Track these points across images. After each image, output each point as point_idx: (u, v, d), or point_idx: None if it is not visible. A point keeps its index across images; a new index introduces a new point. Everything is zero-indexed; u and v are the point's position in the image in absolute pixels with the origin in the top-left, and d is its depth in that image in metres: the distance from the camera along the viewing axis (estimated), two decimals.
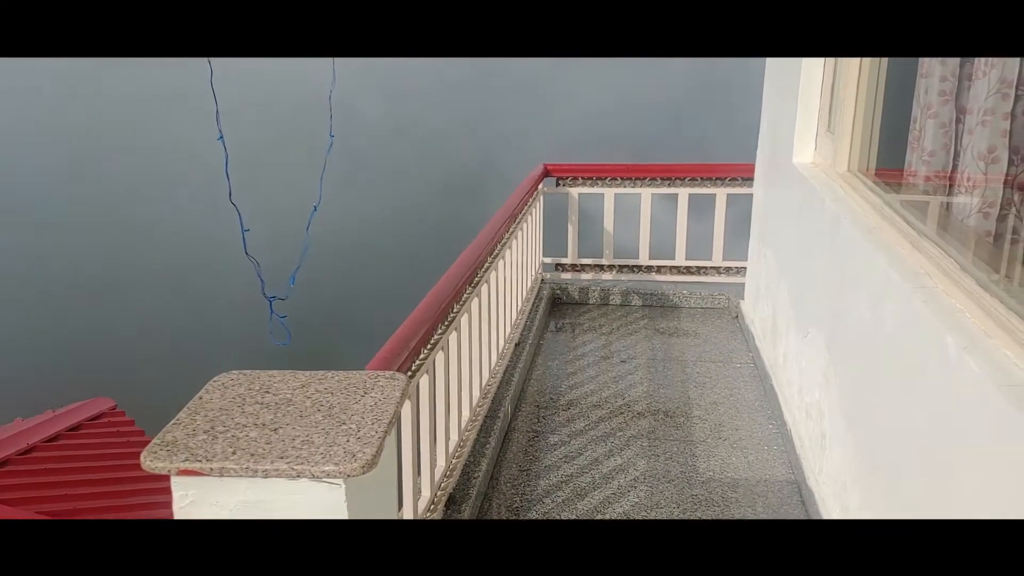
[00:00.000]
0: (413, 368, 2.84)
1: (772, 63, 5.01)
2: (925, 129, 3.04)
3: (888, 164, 3.53)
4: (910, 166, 3.20)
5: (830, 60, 3.98)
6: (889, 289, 2.64)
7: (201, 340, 18.35)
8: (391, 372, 2.00)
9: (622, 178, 5.96)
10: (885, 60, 3.51)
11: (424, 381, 3.03)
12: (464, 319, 3.59)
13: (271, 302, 2.44)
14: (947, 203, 2.92)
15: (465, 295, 3.58)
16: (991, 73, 2.55)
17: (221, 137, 2.21)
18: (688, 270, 6.08)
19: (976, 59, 2.68)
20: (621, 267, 6.18)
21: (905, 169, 3.25)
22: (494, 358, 4.43)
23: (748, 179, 5.65)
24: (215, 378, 1.92)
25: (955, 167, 2.87)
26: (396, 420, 1.82)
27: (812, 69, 4.13)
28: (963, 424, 2.02)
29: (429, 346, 3.05)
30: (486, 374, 4.20)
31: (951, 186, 2.90)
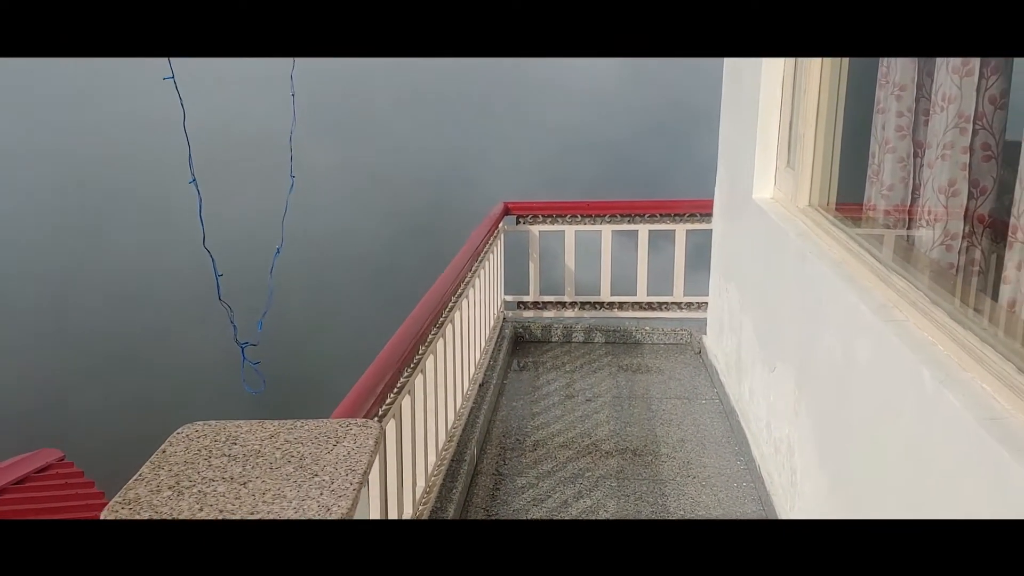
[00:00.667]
0: (380, 413, 2.76)
1: (728, 101, 5.07)
2: (884, 164, 3.08)
3: (848, 199, 3.57)
4: (870, 200, 3.24)
5: (788, 96, 4.04)
6: (860, 323, 2.64)
7: (142, 389, 17.94)
8: (363, 419, 1.92)
9: (582, 215, 5.97)
10: (843, 94, 3.56)
11: (391, 427, 2.95)
12: (430, 361, 3.52)
13: (243, 348, 2.34)
14: (909, 236, 2.95)
15: (430, 336, 3.51)
16: (949, 108, 2.59)
17: (193, 180, 2.13)
18: (650, 306, 6.08)
19: (933, 95, 2.72)
20: (583, 304, 6.16)
21: (865, 203, 3.28)
22: (459, 400, 4.35)
23: (707, 215, 5.69)
24: (179, 429, 1.83)
25: (914, 201, 2.90)
26: (370, 470, 1.75)
27: (770, 106, 4.18)
28: (943, 458, 2.01)
29: (396, 390, 2.98)
30: (451, 416, 4.12)
31: (911, 219, 2.93)
